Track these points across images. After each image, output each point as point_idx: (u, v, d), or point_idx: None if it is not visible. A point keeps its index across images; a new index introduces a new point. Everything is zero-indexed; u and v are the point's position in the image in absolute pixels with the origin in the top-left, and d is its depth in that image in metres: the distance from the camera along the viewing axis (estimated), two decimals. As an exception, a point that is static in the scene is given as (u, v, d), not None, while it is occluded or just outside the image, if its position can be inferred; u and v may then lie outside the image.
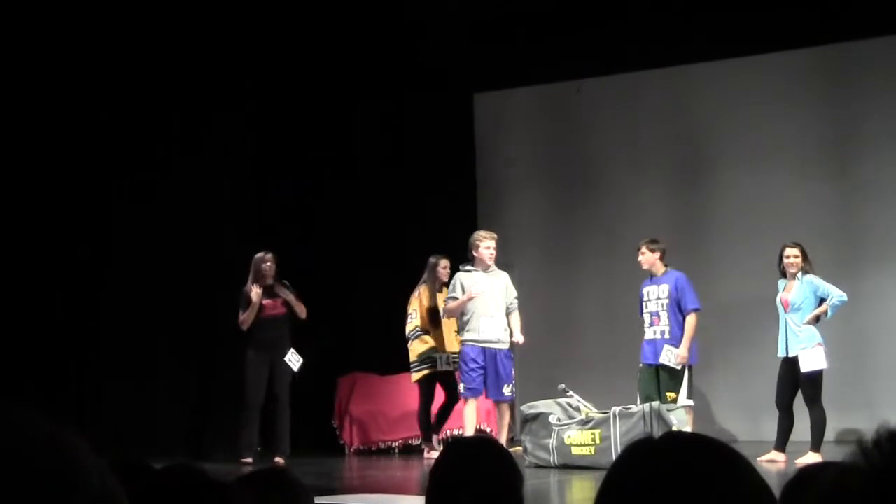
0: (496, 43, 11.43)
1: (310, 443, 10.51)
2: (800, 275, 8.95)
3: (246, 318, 9.83)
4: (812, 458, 8.39)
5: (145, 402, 10.46)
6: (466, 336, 9.44)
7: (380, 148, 11.86)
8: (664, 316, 9.36)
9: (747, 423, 10.58)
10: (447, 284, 9.92)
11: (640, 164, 11.43)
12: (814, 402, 8.78)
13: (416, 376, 10.14)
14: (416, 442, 10.47)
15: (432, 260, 10.27)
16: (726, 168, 11.04)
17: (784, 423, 8.94)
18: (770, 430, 10.33)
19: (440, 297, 10.10)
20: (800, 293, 8.94)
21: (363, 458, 10.83)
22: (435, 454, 9.98)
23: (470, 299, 9.34)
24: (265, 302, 9.87)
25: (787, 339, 8.96)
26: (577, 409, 9.22)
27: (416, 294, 10.21)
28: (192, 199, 10.81)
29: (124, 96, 10.52)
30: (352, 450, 11.04)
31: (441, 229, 11.61)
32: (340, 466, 10.21)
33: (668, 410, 8.78)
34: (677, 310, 9.34)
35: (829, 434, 10.02)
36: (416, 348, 10.13)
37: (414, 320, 10.15)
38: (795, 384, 8.91)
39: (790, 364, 8.92)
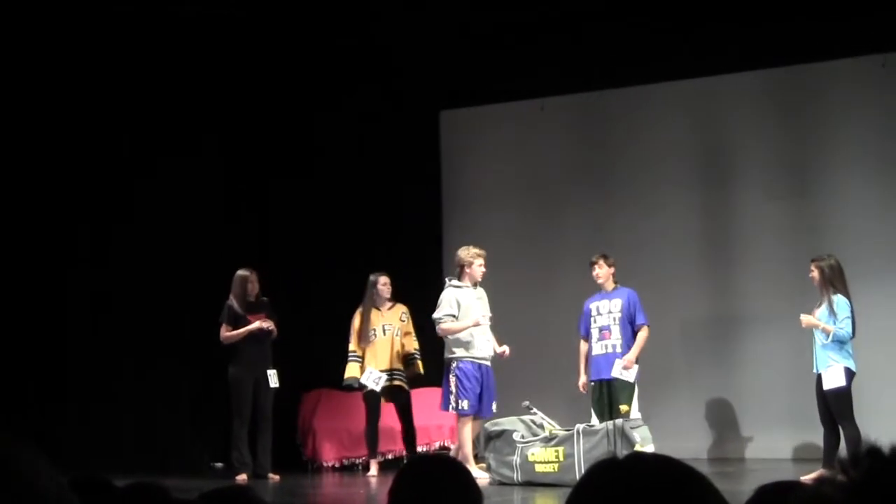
0: (463, 60, 11.47)
1: (273, 459, 10.45)
2: (832, 294, 8.73)
3: (232, 336, 9.92)
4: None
5: (111, 418, 10.38)
6: (463, 353, 9.45)
7: (346, 165, 11.86)
8: (615, 330, 9.42)
9: (710, 441, 10.64)
10: (399, 301, 10.12)
11: (604, 181, 11.51)
12: (843, 419, 8.61)
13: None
14: (380, 459, 10.43)
15: (371, 278, 10.32)
16: (687, 188, 11.13)
17: (827, 441, 8.72)
18: (733, 448, 10.43)
19: (376, 315, 10.19)
20: (824, 313, 8.77)
21: (327, 475, 10.79)
22: (373, 473, 10.00)
23: (476, 325, 9.40)
24: (249, 317, 9.98)
25: (816, 356, 8.81)
26: (541, 427, 9.22)
27: (356, 313, 10.28)
28: (160, 216, 10.78)
29: (91, 115, 10.48)
30: (315, 466, 11.00)
31: (407, 245, 11.65)
32: (303, 483, 10.16)
33: (632, 428, 8.80)
34: (629, 325, 9.41)
35: (786, 452, 10.12)
36: (347, 371, 10.17)
37: (350, 343, 10.22)
38: (826, 400, 8.76)
39: (820, 381, 8.76)
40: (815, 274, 8.82)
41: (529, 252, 11.60)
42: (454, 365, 9.47)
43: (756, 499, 1.93)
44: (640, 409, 9.38)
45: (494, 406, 9.56)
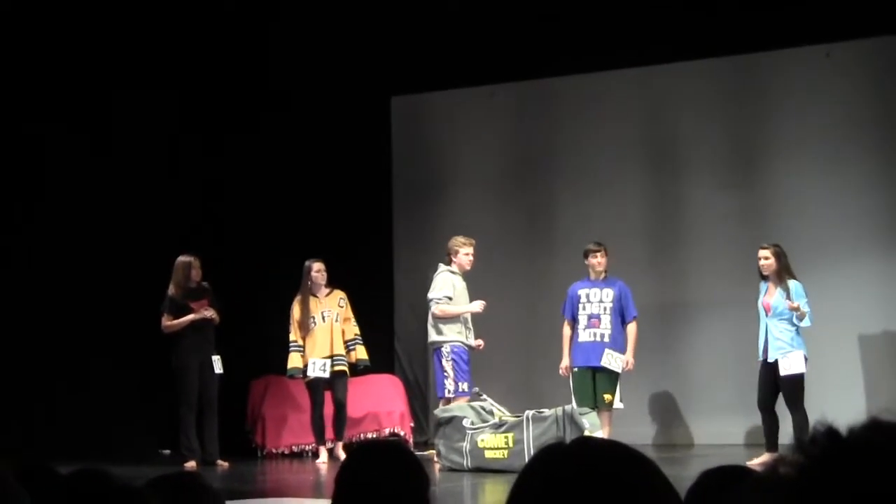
0: (414, 46, 11.44)
1: (222, 446, 10.40)
2: (787, 279, 8.86)
3: (174, 325, 9.89)
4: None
5: (57, 408, 10.26)
6: (458, 337, 9.57)
7: (295, 150, 11.79)
8: (606, 319, 9.40)
9: (659, 426, 10.73)
10: (340, 287, 10.16)
11: (554, 168, 11.55)
12: (795, 404, 8.74)
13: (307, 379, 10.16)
14: (329, 445, 10.42)
15: (306, 264, 10.29)
16: (635, 177, 11.21)
17: (769, 425, 8.87)
18: (682, 434, 10.51)
19: (315, 302, 10.17)
20: (782, 298, 8.86)
21: (276, 461, 10.76)
22: (323, 459, 9.99)
23: (474, 311, 9.56)
24: (192, 304, 9.94)
25: (766, 343, 8.91)
26: (491, 413, 9.25)
27: (293, 302, 10.25)
28: (107, 202, 10.65)
29: (33, 92, 10.31)
30: (265, 452, 10.97)
31: (354, 231, 11.62)
32: (253, 470, 10.13)
33: (581, 414, 8.86)
34: (619, 316, 9.43)
35: (737, 437, 10.23)
36: (290, 361, 10.15)
37: (290, 333, 10.20)
38: (775, 387, 8.88)
39: (769, 367, 8.88)
40: (772, 261, 8.89)
41: (479, 237, 11.59)
42: (447, 349, 9.54)
43: (700, 483, 1.95)
44: (622, 400, 9.43)
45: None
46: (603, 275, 9.52)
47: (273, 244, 11.42)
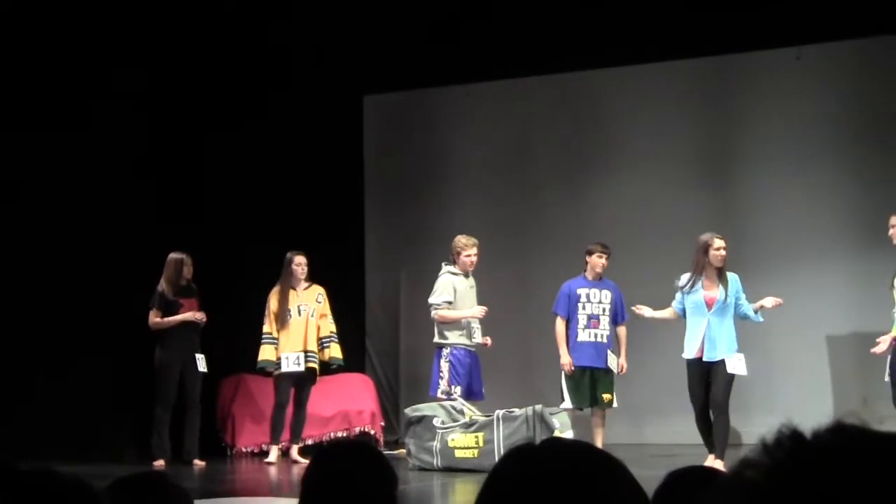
0: (387, 44, 11.44)
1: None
2: (727, 273, 8.55)
3: (162, 322, 9.89)
4: (717, 463, 8.04)
5: (27, 405, 10.18)
6: (457, 339, 9.53)
7: (269, 149, 11.74)
8: (604, 321, 9.33)
9: (629, 426, 10.76)
10: (318, 281, 10.08)
11: (529, 167, 11.58)
12: (727, 405, 8.45)
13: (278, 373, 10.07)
14: (283, 445, 10.33)
15: (288, 256, 10.17)
16: (604, 176, 11.26)
17: (706, 425, 8.55)
18: (652, 433, 10.52)
19: (293, 295, 10.08)
20: (731, 291, 8.55)
21: (246, 460, 10.72)
22: (272, 459, 9.93)
23: (474, 317, 9.53)
24: (183, 302, 9.95)
25: (704, 341, 8.52)
26: (461, 412, 9.26)
27: (271, 293, 10.13)
28: (83, 195, 10.58)
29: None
30: (234, 452, 10.92)
31: (327, 229, 11.59)
32: (222, 469, 10.09)
33: (552, 414, 8.88)
34: (614, 318, 9.38)
35: (695, 437, 10.29)
36: (261, 354, 10.04)
37: (265, 325, 10.09)
38: (708, 387, 8.51)
39: (704, 366, 8.50)
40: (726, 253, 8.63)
41: (450, 236, 11.61)
42: (447, 351, 9.53)
43: (666, 484, 1.96)
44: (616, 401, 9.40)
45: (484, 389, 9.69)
46: (600, 276, 9.44)
47: (245, 241, 11.36)
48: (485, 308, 9.60)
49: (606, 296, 9.39)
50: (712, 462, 8.17)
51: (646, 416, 10.84)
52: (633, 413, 10.67)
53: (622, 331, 9.47)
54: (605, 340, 9.33)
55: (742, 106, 10.88)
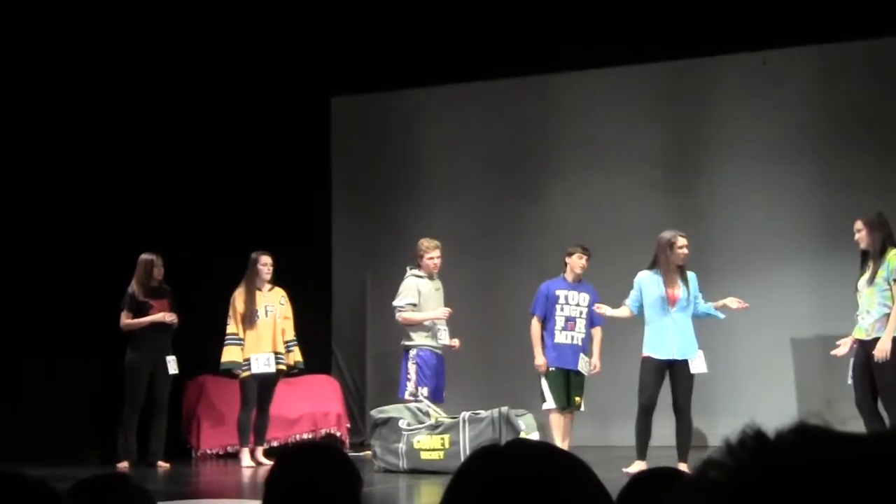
0: (354, 46, 11.43)
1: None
2: (687, 271, 8.58)
3: (133, 323, 9.83)
4: (681, 466, 8.08)
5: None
6: (423, 341, 9.52)
7: (236, 151, 11.69)
8: (581, 323, 9.29)
9: (595, 428, 10.78)
10: (286, 283, 10.02)
11: (496, 169, 11.60)
12: (689, 410, 8.50)
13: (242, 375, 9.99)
14: (266, 445, 10.33)
15: (253, 256, 10.07)
16: (570, 178, 11.29)
17: (650, 426, 8.59)
18: (618, 435, 10.54)
19: (259, 295, 10.00)
20: (692, 289, 8.58)
21: (211, 462, 10.67)
22: (246, 460, 9.89)
23: (437, 319, 9.52)
24: (153, 303, 9.89)
25: (681, 342, 8.51)
26: (427, 414, 9.25)
27: (235, 293, 10.03)
28: (61, 199, 10.51)
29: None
30: (199, 453, 10.86)
31: (295, 231, 11.56)
32: (187, 471, 10.03)
33: (517, 416, 8.89)
34: (590, 321, 9.34)
35: (672, 439, 10.32)
36: (227, 355, 9.94)
37: (230, 326, 9.99)
38: (685, 386, 8.52)
39: (664, 365, 8.52)
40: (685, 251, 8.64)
41: (417, 239, 11.62)
42: (414, 352, 9.52)
43: (631, 485, 1.96)
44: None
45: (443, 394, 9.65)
46: (579, 278, 9.40)
47: (213, 243, 11.31)
48: (448, 310, 9.60)
49: (584, 298, 9.36)
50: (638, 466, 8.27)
51: (612, 419, 10.86)
52: (599, 415, 10.70)
53: (597, 332, 9.45)
54: (580, 343, 9.32)
55: (708, 109, 10.95)
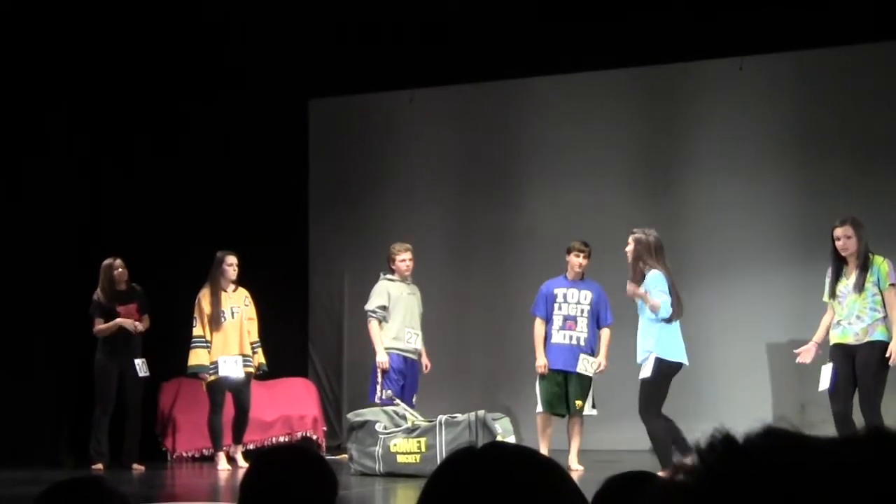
0: (332, 49, 11.42)
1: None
2: (643, 268, 8.14)
3: (103, 329, 9.83)
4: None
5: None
6: (392, 344, 9.51)
7: (213, 151, 11.65)
8: (582, 322, 9.06)
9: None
10: (262, 284, 10.01)
11: (473, 172, 11.61)
12: (643, 413, 8.16)
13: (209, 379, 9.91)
14: (226, 449, 10.25)
15: (219, 255, 9.96)
16: (550, 184, 11.30)
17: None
18: (595, 439, 10.55)
19: (225, 296, 9.89)
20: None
21: (186, 465, 10.63)
22: (221, 464, 9.84)
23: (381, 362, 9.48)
24: (119, 308, 9.87)
25: (638, 345, 8.18)
26: (404, 418, 9.24)
27: (200, 294, 9.91)
28: (34, 201, 10.45)
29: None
30: (174, 456, 10.82)
31: (272, 233, 11.53)
32: (161, 474, 9.99)
33: (494, 419, 8.88)
34: (595, 320, 9.11)
35: (641, 443, 10.33)
36: (193, 358, 9.85)
37: (196, 328, 9.87)
38: None
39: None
40: (630, 247, 8.25)
41: (394, 241, 11.61)
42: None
43: (605, 489, 1.97)
44: (594, 406, 9.18)
45: (414, 399, 9.59)
46: (581, 276, 9.28)
47: (188, 243, 11.25)
48: (387, 360, 9.46)
49: (586, 296, 9.14)
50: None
51: (591, 422, 10.87)
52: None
53: (605, 332, 9.17)
54: (581, 343, 9.08)
55: (686, 115, 10.99)
